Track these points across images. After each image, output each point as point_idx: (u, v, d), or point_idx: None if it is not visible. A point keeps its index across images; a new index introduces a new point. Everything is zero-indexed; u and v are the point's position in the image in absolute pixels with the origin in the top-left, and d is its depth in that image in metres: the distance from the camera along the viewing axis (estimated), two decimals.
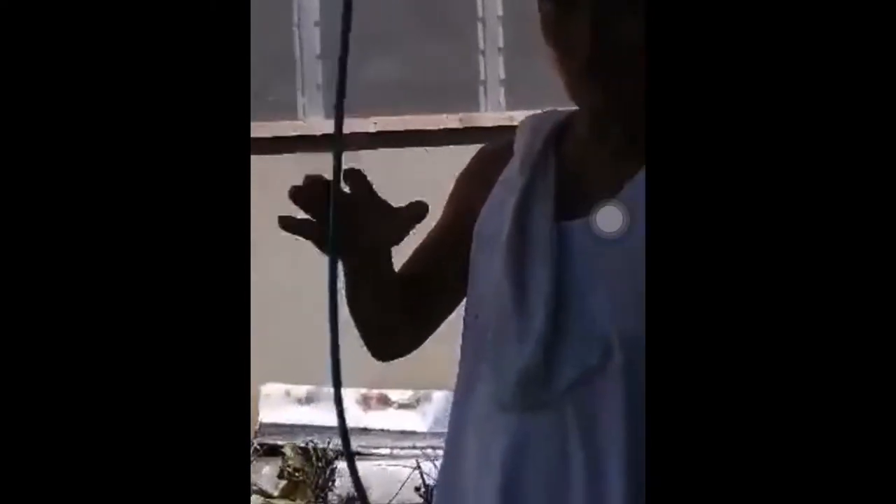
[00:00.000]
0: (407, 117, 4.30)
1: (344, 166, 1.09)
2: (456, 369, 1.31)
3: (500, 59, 4.48)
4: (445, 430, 1.34)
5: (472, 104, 4.48)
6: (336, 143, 1.02)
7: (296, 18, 4.54)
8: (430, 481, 3.41)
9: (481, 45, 4.50)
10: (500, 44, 4.47)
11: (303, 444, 3.67)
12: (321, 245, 1.12)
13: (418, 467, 3.49)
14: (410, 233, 1.19)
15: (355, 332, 1.25)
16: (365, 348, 1.29)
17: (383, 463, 3.68)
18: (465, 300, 1.31)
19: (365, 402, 4.09)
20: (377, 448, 3.89)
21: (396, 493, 3.40)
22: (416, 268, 1.31)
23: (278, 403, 4.20)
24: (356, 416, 3.76)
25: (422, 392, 4.09)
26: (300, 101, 4.54)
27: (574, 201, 1.23)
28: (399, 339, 1.35)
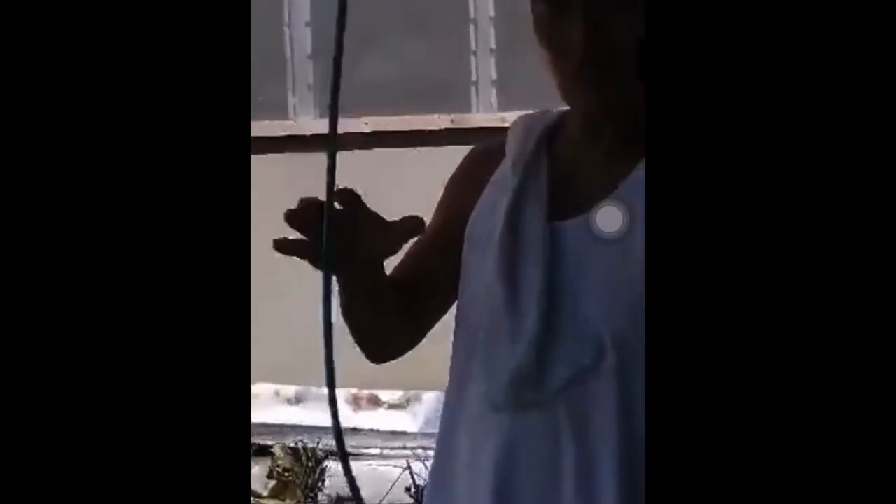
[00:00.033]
0: (398, 118, 4.30)
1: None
2: (447, 370, 1.31)
3: (492, 60, 4.49)
4: (436, 430, 1.34)
5: (464, 105, 4.48)
6: (331, 143, 1.02)
7: (286, 18, 4.54)
8: (420, 482, 3.41)
9: (473, 46, 4.50)
10: (492, 45, 4.48)
11: (292, 444, 3.66)
12: (317, 263, 1.11)
13: (408, 468, 3.49)
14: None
15: (345, 333, 1.25)
16: (355, 348, 1.29)
17: (373, 463, 3.68)
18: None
19: (355, 402, 4.09)
20: (367, 448, 3.88)
21: (386, 494, 3.40)
22: (408, 271, 1.31)
23: (268, 403, 4.20)
24: (346, 417, 3.76)
25: (412, 392, 4.09)
26: (291, 100, 4.54)
27: (566, 201, 1.23)
28: (394, 343, 1.35)
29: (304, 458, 3.57)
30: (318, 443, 3.61)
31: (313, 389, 4.06)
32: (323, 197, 1.10)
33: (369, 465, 3.65)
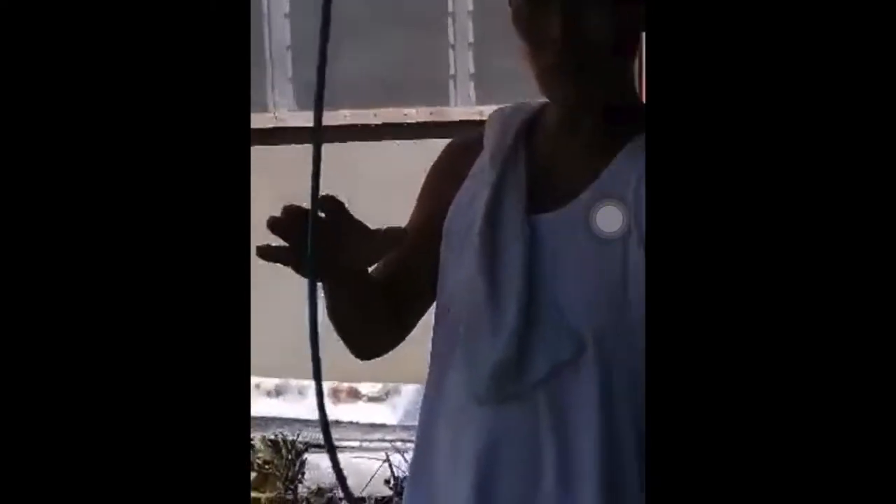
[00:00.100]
0: (377, 111, 4.30)
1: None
2: (426, 363, 1.32)
3: (470, 54, 4.49)
4: (415, 423, 1.34)
5: (442, 98, 4.48)
6: (316, 135, 1.02)
7: (265, 10, 4.53)
8: (399, 474, 3.42)
9: (451, 40, 4.50)
10: (470, 38, 4.48)
11: (272, 437, 3.66)
12: (301, 270, 1.11)
13: (387, 460, 3.49)
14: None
15: (325, 325, 1.25)
16: (335, 342, 1.30)
17: (353, 455, 3.69)
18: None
19: (335, 395, 4.08)
20: (347, 441, 3.88)
21: (366, 486, 3.40)
22: (391, 268, 1.32)
23: None
24: (326, 409, 3.75)
25: (391, 385, 4.09)
26: (270, 93, 4.53)
27: (545, 194, 1.24)
28: (380, 340, 1.35)
29: (283, 450, 3.57)
30: (297, 435, 3.61)
31: (293, 382, 4.06)
32: (304, 201, 1.10)
33: (348, 457, 3.65)
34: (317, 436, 3.66)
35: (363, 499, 3.35)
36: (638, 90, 1.33)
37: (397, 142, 4.27)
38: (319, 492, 3.50)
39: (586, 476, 1.18)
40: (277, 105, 4.51)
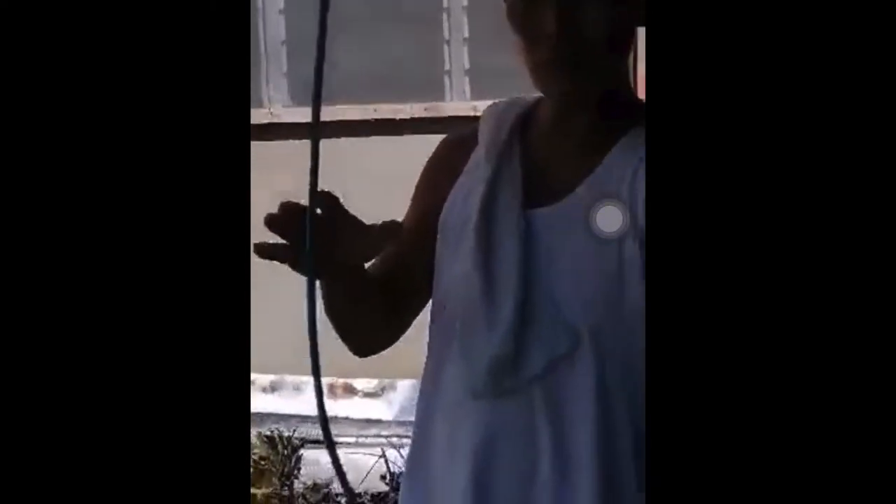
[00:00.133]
0: (372, 106, 4.30)
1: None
2: (422, 358, 1.32)
3: (465, 50, 4.49)
4: (410, 418, 1.34)
5: (438, 94, 4.48)
6: (314, 131, 1.01)
7: (260, 6, 4.52)
8: (395, 469, 3.42)
9: (446, 35, 4.50)
10: (466, 34, 4.48)
11: (268, 433, 3.67)
12: (297, 267, 1.11)
13: (383, 455, 3.50)
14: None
15: (322, 323, 1.25)
16: (331, 338, 1.30)
17: (349, 451, 3.69)
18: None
19: (330, 390, 4.08)
20: (342, 436, 3.89)
21: (362, 481, 3.40)
22: (387, 265, 1.32)
23: None
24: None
25: (387, 381, 4.10)
26: (265, 89, 4.53)
27: (540, 189, 1.24)
28: (378, 337, 1.35)
29: (279, 446, 3.57)
30: (293, 431, 3.62)
31: (288, 378, 4.06)
32: (299, 197, 1.10)
33: (344, 452, 3.65)
34: (312, 432, 3.66)
35: (359, 494, 3.36)
36: (633, 85, 1.33)
37: (392, 137, 4.27)
38: (315, 487, 3.51)
39: (582, 470, 1.18)
40: (272, 101, 4.51)
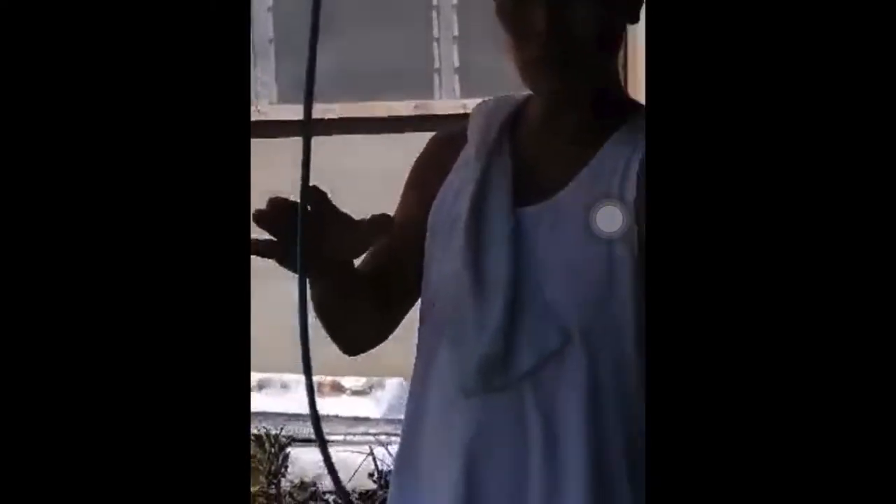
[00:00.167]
0: (361, 104, 4.30)
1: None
2: (410, 356, 1.32)
3: (455, 48, 4.49)
4: (399, 416, 1.35)
5: (427, 91, 4.48)
6: (305, 129, 1.01)
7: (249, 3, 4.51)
8: (383, 467, 3.42)
9: (436, 34, 4.50)
10: (455, 32, 4.48)
11: (255, 431, 3.66)
12: (286, 263, 1.11)
13: (371, 453, 3.50)
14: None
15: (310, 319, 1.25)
16: (317, 336, 1.29)
17: (337, 449, 3.69)
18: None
19: (319, 389, 4.07)
20: (330, 434, 3.88)
21: (350, 479, 3.40)
22: (376, 262, 1.31)
23: None
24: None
25: (375, 379, 4.09)
26: (252, 86, 4.52)
27: (529, 188, 1.24)
28: (367, 334, 1.35)
29: (267, 444, 3.57)
30: (280, 429, 3.62)
31: (275, 377, 4.05)
32: (287, 194, 1.10)
33: (333, 451, 3.65)
34: (300, 430, 3.66)
35: (347, 492, 3.36)
36: (622, 83, 1.33)
37: (381, 135, 4.27)
38: (302, 486, 3.51)
39: (572, 467, 1.18)
40: (259, 97, 4.50)
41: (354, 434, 3.89)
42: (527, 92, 1.26)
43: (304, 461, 3.52)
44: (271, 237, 1.10)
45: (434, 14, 4.49)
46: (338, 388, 4.05)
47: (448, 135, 1.36)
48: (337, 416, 3.99)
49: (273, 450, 3.54)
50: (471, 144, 1.30)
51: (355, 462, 3.48)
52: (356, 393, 4.06)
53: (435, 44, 4.50)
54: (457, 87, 4.49)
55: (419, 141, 1.39)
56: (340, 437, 3.89)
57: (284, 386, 3.98)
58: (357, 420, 3.85)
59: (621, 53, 1.27)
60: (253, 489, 3.50)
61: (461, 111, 3.67)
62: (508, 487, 1.20)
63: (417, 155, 1.38)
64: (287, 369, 3.70)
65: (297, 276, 1.11)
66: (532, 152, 1.27)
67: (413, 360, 1.32)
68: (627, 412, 1.19)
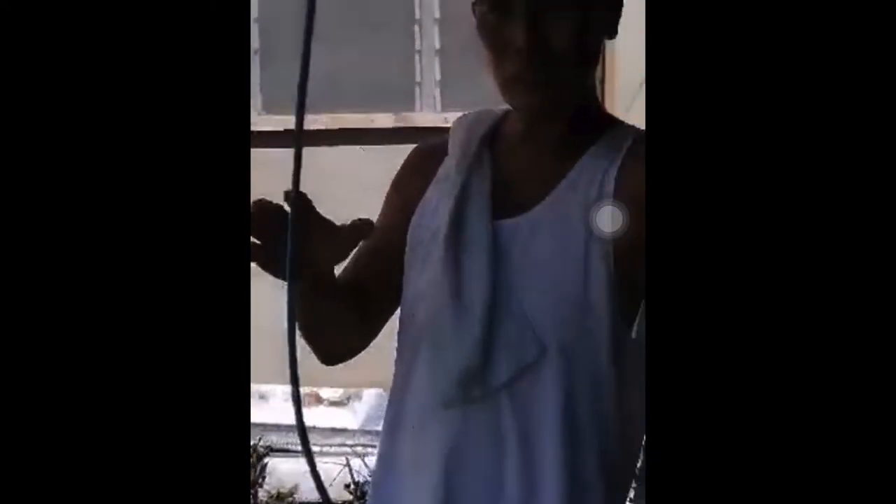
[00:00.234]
0: (343, 116, 4.30)
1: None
2: (388, 368, 1.32)
3: (436, 61, 4.50)
4: (376, 427, 1.35)
5: (408, 104, 4.49)
6: (296, 140, 1.02)
7: None
8: (359, 478, 3.42)
9: (418, 46, 4.52)
10: (437, 45, 4.50)
11: None
12: (268, 268, 1.11)
13: (348, 465, 3.50)
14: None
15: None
16: (299, 347, 1.29)
17: (306, 460, 3.68)
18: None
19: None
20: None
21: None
22: (357, 272, 1.32)
23: None
24: (287, 413, 3.75)
25: (352, 390, 4.09)
26: None
27: (509, 200, 1.25)
28: (345, 344, 1.35)
29: None
30: (259, 440, 3.61)
31: (253, 387, 4.05)
32: (273, 197, 1.10)
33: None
34: (278, 440, 3.65)
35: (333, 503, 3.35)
36: (599, 98, 1.35)
37: (363, 147, 4.28)
38: (280, 496, 3.50)
39: (548, 476, 1.19)
40: None
41: (331, 445, 3.89)
42: (506, 106, 1.27)
43: (282, 471, 3.52)
44: (255, 240, 1.11)
45: (416, 27, 4.51)
46: (316, 399, 4.05)
47: (430, 147, 1.36)
48: (314, 427, 3.99)
49: (251, 460, 3.53)
50: (451, 157, 1.31)
51: (332, 473, 3.47)
52: (334, 404, 4.06)
53: (417, 57, 4.52)
54: (438, 100, 4.50)
55: (400, 153, 1.40)
56: (317, 448, 3.88)
57: (262, 396, 3.98)
58: (334, 431, 3.85)
59: (598, 68, 1.28)
60: None
61: (442, 124, 3.68)
62: (485, 496, 1.21)
63: (397, 167, 1.38)
64: (266, 380, 3.69)
65: (273, 277, 1.12)
66: (511, 166, 1.28)
67: (391, 372, 1.32)
68: (603, 424, 1.21)
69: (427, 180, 1.32)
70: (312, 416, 4.07)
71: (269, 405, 3.92)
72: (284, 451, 3.65)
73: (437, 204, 1.28)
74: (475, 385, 1.21)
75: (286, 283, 1.08)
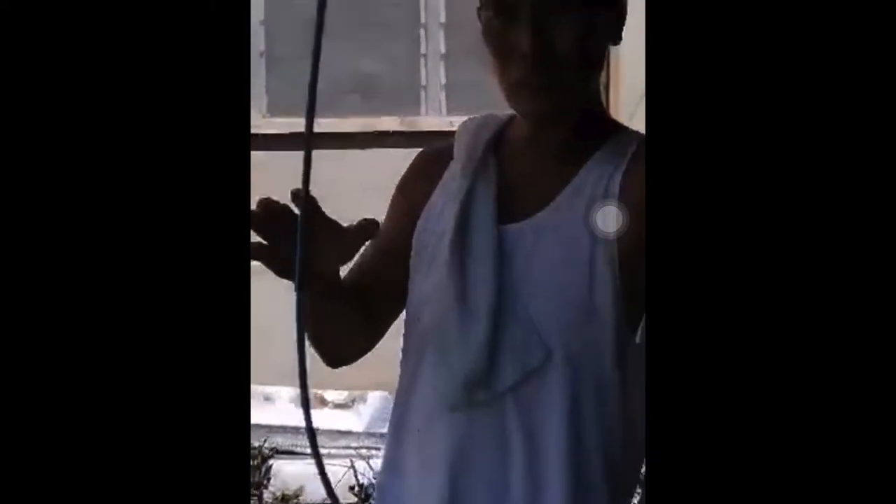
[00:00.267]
0: (348, 119, 4.31)
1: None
2: (392, 370, 1.32)
3: (442, 65, 4.51)
4: (380, 430, 1.35)
5: (413, 108, 4.50)
6: (307, 144, 1.02)
7: None
8: (364, 481, 3.42)
9: (423, 50, 4.52)
10: (442, 49, 4.50)
11: None
12: (272, 267, 1.12)
13: (352, 467, 3.50)
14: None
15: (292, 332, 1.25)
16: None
17: (315, 462, 3.67)
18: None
19: (301, 401, 4.06)
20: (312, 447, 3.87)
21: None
22: (362, 275, 1.32)
23: None
24: (292, 415, 3.75)
25: (357, 392, 4.09)
26: None
27: (514, 205, 1.25)
28: (350, 346, 1.36)
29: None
30: (263, 441, 3.61)
31: (258, 388, 4.05)
32: (278, 199, 1.11)
33: (313, 463, 3.63)
34: (283, 442, 3.65)
35: None
36: (604, 103, 1.35)
37: (368, 150, 4.28)
38: (284, 498, 3.50)
39: (553, 479, 1.19)
40: (252, 112, 4.50)
41: (336, 447, 3.88)
42: (512, 111, 1.27)
43: (286, 473, 3.52)
44: (261, 240, 1.11)
45: (422, 31, 4.52)
46: (320, 401, 4.05)
47: (435, 150, 1.37)
48: (318, 429, 3.99)
49: (256, 462, 3.53)
50: (457, 161, 1.31)
51: (337, 475, 3.48)
52: (338, 406, 4.05)
53: (422, 60, 4.52)
54: (443, 103, 4.51)
55: (404, 156, 1.40)
56: (322, 451, 3.88)
57: (267, 398, 3.98)
58: (339, 433, 3.85)
59: (603, 74, 1.28)
60: None
61: (447, 128, 3.69)
62: (490, 499, 1.21)
63: (402, 170, 1.39)
64: (270, 381, 3.70)
65: (276, 276, 1.12)
66: (516, 171, 1.28)
67: (395, 375, 1.32)
68: (607, 428, 1.21)
69: (433, 184, 1.32)
70: (317, 419, 4.04)
71: (275, 407, 3.92)
72: (289, 453, 3.65)
73: (442, 208, 1.29)
74: (480, 389, 1.21)
75: (293, 283, 1.09)
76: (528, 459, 1.20)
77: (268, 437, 3.63)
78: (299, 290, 1.06)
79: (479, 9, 1.23)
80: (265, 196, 1.11)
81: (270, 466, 3.54)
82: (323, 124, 4.34)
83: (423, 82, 4.52)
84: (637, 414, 1.21)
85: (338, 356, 1.35)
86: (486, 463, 1.22)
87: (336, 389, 4.07)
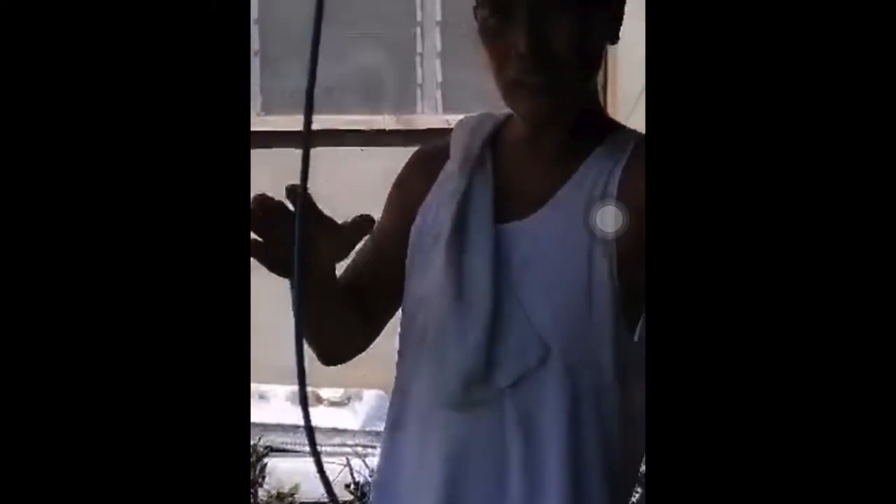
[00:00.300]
0: (344, 117, 4.31)
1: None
2: (388, 368, 1.33)
3: (438, 63, 4.51)
4: (376, 428, 1.35)
5: (409, 106, 4.50)
6: (305, 142, 1.02)
7: None
8: (359, 478, 3.42)
9: (419, 49, 4.52)
10: (438, 48, 4.50)
11: None
12: (266, 263, 1.12)
13: (348, 465, 3.50)
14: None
15: (289, 330, 1.25)
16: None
17: (313, 459, 3.68)
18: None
19: (296, 399, 4.07)
20: (307, 445, 3.87)
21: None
22: (358, 273, 1.32)
23: None
24: (288, 413, 3.75)
25: (353, 390, 4.09)
26: None
27: (511, 204, 1.25)
28: (346, 344, 1.36)
29: None
30: (259, 439, 3.61)
31: (253, 386, 4.05)
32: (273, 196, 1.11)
33: (309, 461, 3.63)
34: (278, 440, 3.65)
35: (323, 503, 3.36)
36: (601, 103, 1.35)
37: (364, 148, 4.28)
38: (280, 496, 3.50)
39: (551, 479, 1.20)
40: None
41: (332, 445, 3.89)
42: (508, 110, 1.27)
43: (281, 471, 3.52)
44: (256, 237, 1.11)
45: (418, 29, 4.52)
46: (316, 399, 4.05)
47: (432, 149, 1.37)
48: (315, 427, 3.99)
49: (251, 460, 3.53)
50: (453, 160, 1.31)
51: (332, 473, 3.48)
52: (334, 404, 4.05)
53: (418, 59, 4.52)
54: (439, 102, 4.51)
55: (401, 155, 1.40)
56: (318, 448, 3.88)
57: (263, 396, 3.98)
58: (335, 431, 3.85)
59: (600, 74, 1.28)
60: None
61: (443, 126, 3.69)
62: (488, 498, 1.22)
63: (398, 168, 1.39)
64: (266, 379, 3.70)
65: (270, 272, 1.12)
66: (513, 170, 1.28)
67: (391, 373, 1.32)
68: (606, 426, 1.21)
69: (429, 182, 1.32)
70: (313, 416, 4.06)
71: (270, 405, 3.92)
72: (284, 451, 3.65)
73: (438, 207, 1.29)
74: (478, 388, 1.21)
75: (287, 280, 1.09)
76: (526, 458, 1.20)
77: (263, 434, 3.64)
78: (297, 287, 1.06)
79: (475, 8, 1.23)
80: (260, 193, 1.11)
81: (265, 464, 3.55)
82: (319, 121, 4.35)
83: (420, 80, 4.52)
84: (636, 413, 1.21)
85: (333, 354, 1.35)
86: (484, 461, 1.22)
87: (332, 387, 4.07)
